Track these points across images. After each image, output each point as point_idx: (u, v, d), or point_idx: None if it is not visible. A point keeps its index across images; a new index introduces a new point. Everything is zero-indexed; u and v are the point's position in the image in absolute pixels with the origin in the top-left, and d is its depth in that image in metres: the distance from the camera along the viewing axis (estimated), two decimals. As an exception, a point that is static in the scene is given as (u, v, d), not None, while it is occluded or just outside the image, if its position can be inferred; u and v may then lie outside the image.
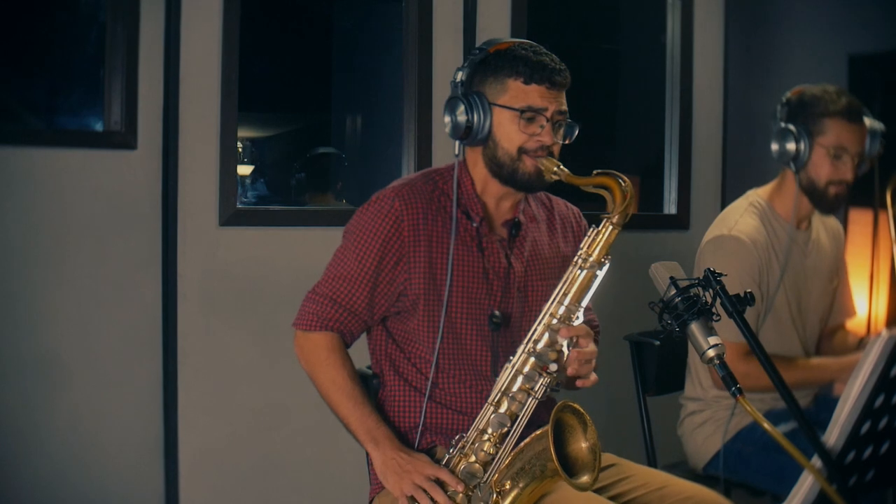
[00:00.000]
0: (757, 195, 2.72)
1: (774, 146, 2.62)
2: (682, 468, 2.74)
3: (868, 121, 2.60)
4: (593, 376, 2.00)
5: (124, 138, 2.94)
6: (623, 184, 1.89)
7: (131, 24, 2.92)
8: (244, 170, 3.73)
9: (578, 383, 1.98)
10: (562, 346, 1.92)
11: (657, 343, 2.71)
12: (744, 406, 1.64)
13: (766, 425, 1.63)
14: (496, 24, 3.49)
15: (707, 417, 2.70)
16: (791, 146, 2.58)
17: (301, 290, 2.12)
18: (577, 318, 1.94)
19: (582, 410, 1.86)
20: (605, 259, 1.93)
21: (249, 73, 3.20)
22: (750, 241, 2.58)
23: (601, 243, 1.92)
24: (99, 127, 3.00)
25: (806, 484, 1.66)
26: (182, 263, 3.02)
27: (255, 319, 3.11)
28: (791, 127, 2.59)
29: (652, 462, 2.67)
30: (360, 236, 2.03)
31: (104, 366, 2.95)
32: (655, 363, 2.75)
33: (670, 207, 4.02)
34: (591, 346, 1.98)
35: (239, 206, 3.12)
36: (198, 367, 3.05)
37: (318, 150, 3.98)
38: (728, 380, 1.67)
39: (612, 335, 2.99)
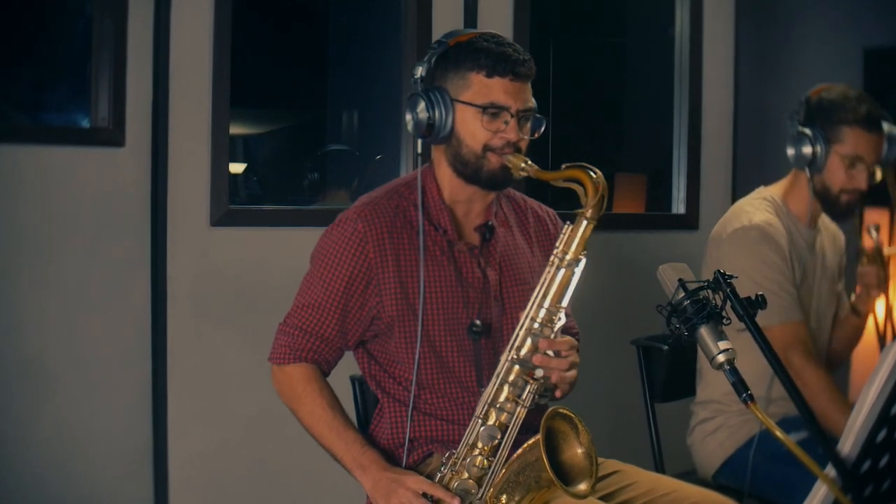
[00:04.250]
0: (770, 192, 2.75)
1: (790, 150, 2.64)
2: (690, 477, 2.73)
3: (887, 127, 2.63)
4: (563, 388, 1.96)
5: (112, 135, 2.94)
6: (594, 176, 1.88)
7: (119, 16, 2.91)
8: (236, 168, 3.72)
9: (556, 389, 1.96)
10: (545, 351, 1.90)
11: (665, 348, 2.71)
12: (755, 413, 1.63)
13: (779, 433, 1.62)
14: (498, 18, 3.49)
15: (719, 424, 2.69)
16: (807, 150, 2.60)
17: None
18: (560, 319, 1.92)
19: (573, 415, 1.85)
20: (581, 256, 1.91)
21: (242, 68, 3.19)
22: (772, 227, 2.62)
23: (577, 240, 1.90)
24: (86, 123, 2.99)
25: (819, 494, 1.65)
26: (172, 265, 3.01)
27: (247, 323, 3.11)
28: (808, 131, 2.61)
29: (660, 471, 2.66)
30: (326, 262, 2.03)
31: (91, 370, 2.94)
32: (664, 369, 2.74)
33: (678, 207, 4.01)
34: (574, 357, 1.95)
35: (231, 205, 3.12)
36: (188, 371, 3.04)
37: (330, 147, 3.97)
38: (738, 386, 1.66)
39: (619, 339, 2.99)
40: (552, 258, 1.93)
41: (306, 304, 2.05)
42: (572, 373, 1.95)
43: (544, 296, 1.91)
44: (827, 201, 2.65)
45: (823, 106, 2.62)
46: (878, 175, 2.68)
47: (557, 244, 1.92)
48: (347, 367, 2.17)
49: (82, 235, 2.93)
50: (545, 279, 1.92)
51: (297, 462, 3.15)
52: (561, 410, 1.84)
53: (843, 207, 2.65)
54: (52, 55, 3.17)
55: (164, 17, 2.96)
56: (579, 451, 1.85)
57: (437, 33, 3.34)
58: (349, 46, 4.02)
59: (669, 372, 2.75)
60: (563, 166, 1.92)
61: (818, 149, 2.59)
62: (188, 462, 3.05)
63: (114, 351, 2.98)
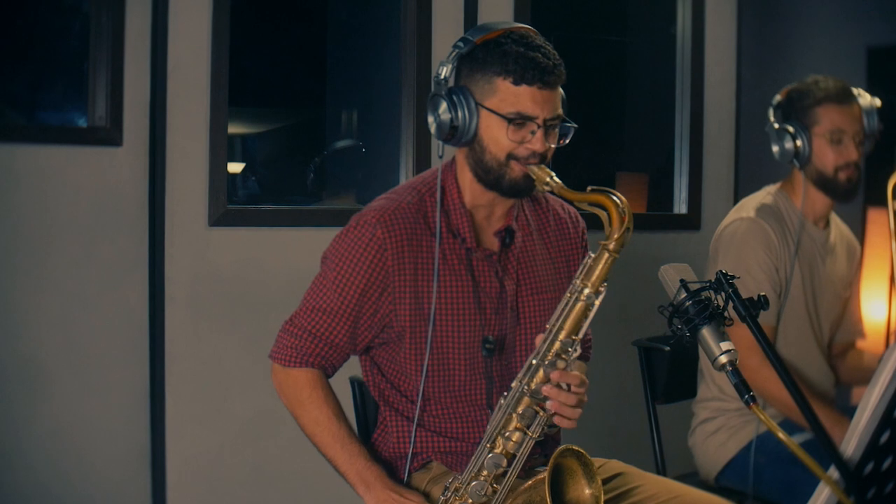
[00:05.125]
0: (774, 187, 2.79)
1: (775, 148, 2.69)
2: (692, 479, 2.73)
3: (862, 99, 2.67)
4: (567, 423, 1.90)
5: (109, 134, 2.94)
6: (620, 204, 1.83)
7: (117, 14, 2.92)
8: (235, 167, 3.72)
9: (556, 420, 1.90)
10: (557, 383, 1.86)
11: (667, 349, 2.71)
12: (758, 414, 1.63)
13: (781, 435, 1.62)
14: (498, 16, 3.49)
15: (720, 425, 2.70)
16: (789, 144, 2.65)
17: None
18: (575, 351, 1.87)
19: (584, 453, 1.81)
20: (601, 288, 1.87)
21: (240, 67, 3.20)
22: (767, 223, 2.65)
23: (597, 272, 1.86)
24: (83, 122, 2.99)
25: (822, 496, 1.65)
26: (170, 265, 3.01)
27: (245, 324, 3.11)
28: (786, 126, 2.66)
29: (661, 473, 2.66)
30: (341, 267, 1.97)
31: (88, 372, 2.94)
32: (665, 370, 2.74)
33: (680, 207, 4.01)
34: (582, 396, 1.89)
35: (229, 205, 3.12)
36: (186, 373, 3.04)
37: (336, 145, 3.94)
38: (741, 387, 1.66)
39: (620, 341, 3.00)
40: (571, 288, 1.88)
41: (317, 307, 2.00)
42: (577, 411, 1.89)
43: (560, 328, 1.87)
44: (827, 186, 2.67)
45: (793, 98, 2.68)
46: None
47: (577, 274, 1.87)
48: (347, 368, 2.17)
49: (79, 235, 2.93)
50: (562, 311, 1.87)
51: (295, 464, 3.15)
52: (573, 448, 1.80)
53: (844, 186, 2.66)
54: (49, 54, 3.18)
55: (162, 15, 2.96)
56: (587, 491, 1.81)
57: (437, 32, 3.36)
58: (348, 45, 4.02)
59: (671, 373, 2.75)
60: (589, 189, 1.86)
61: (799, 140, 2.63)
62: (186, 464, 3.05)
63: (111, 352, 2.98)
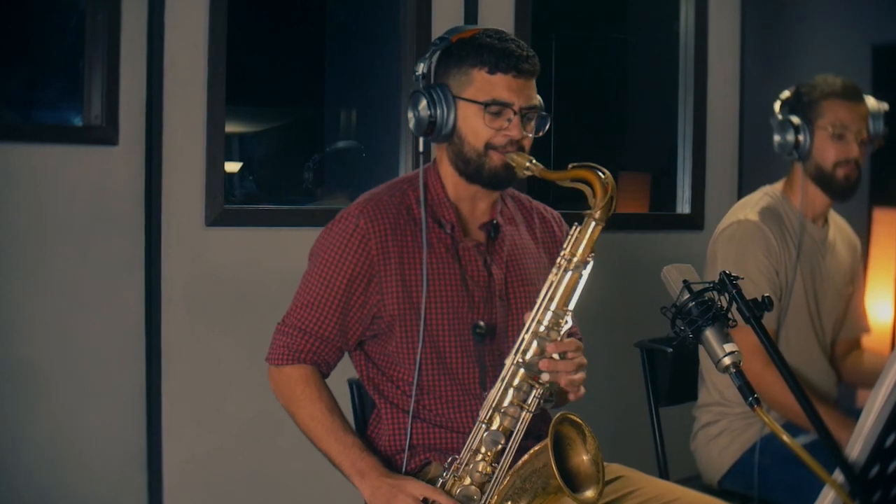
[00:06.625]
0: (771, 188, 2.79)
1: (776, 138, 2.69)
2: (695, 483, 2.73)
3: (870, 101, 2.67)
4: (581, 390, 1.96)
5: (105, 133, 2.93)
6: (602, 176, 1.87)
7: (113, 12, 2.91)
8: (232, 167, 3.73)
9: (569, 393, 1.96)
10: (552, 355, 1.89)
11: (670, 350, 2.71)
12: (761, 417, 1.63)
13: (785, 437, 1.62)
14: (499, 13, 3.49)
15: (722, 428, 2.69)
16: (791, 136, 2.65)
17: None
18: (566, 322, 1.91)
19: (580, 421, 1.84)
20: (589, 258, 1.91)
21: (238, 65, 3.19)
22: (766, 224, 2.64)
23: (584, 242, 1.90)
24: (78, 121, 2.99)
25: (827, 499, 1.65)
26: (166, 266, 3.01)
27: (243, 325, 3.11)
28: (790, 118, 2.66)
29: (664, 476, 2.66)
30: (326, 260, 2.02)
31: (84, 374, 2.94)
32: (668, 371, 2.74)
33: (683, 207, 4.01)
34: (580, 359, 1.94)
35: (226, 205, 3.11)
36: (183, 375, 3.04)
37: (337, 146, 3.95)
38: (745, 389, 1.66)
39: (623, 342, 2.99)
40: (559, 260, 1.92)
41: (305, 302, 2.04)
42: (580, 375, 1.93)
43: (551, 299, 1.90)
44: (825, 183, 2.67)
45: (801, 92, 2.69)
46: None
47: (565, 246, 1.92)
48: (345, 370, 2.17)
49: (75, 235, 2.93)
50: (552, 282, 1.91)
51: (293, 467, 3.15)
52: (569, 416, 1.84)
53: (841, 182, 2.66)
54: (45, 52, 3.18)
55: (159, 12, 2.96)
56: (585, 457, 1.84)
57: (437, 30, 3.35)
58: (347, 44, 4.02)
59: (674, 375, 2.75)
60: (570, 166, 1.91)
61: (802, 132, 2.63)
62: (183, 466, 3.04)
63: (107, 353, 2.98)
